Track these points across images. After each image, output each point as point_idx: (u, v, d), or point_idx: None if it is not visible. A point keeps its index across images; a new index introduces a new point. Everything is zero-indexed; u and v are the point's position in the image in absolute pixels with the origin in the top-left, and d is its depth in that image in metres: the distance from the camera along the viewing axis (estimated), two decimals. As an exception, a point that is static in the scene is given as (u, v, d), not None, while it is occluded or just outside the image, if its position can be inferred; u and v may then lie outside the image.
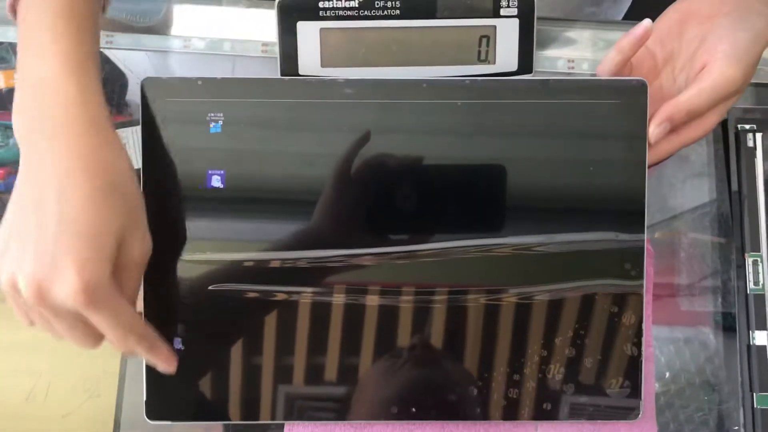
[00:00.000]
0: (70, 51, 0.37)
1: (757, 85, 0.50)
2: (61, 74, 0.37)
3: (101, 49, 0.45)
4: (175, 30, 0.48)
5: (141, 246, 0.38)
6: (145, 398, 0.43)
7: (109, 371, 0.46)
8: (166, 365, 0.40)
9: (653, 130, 0.42)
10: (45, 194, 0.35)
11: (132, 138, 0.48)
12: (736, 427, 0.47)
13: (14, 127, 0.37)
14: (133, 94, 0.47)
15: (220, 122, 0.43)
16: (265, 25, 0.48)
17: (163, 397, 0.43)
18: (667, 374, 0.47)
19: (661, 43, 0.45)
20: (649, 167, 0.44)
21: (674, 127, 0.42)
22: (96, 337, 0.37)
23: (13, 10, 0.39)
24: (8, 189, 0.48)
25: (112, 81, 0.49)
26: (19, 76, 0.38)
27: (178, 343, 0.43)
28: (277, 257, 0.43)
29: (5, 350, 0.47)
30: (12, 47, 0.49)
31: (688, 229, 0.49)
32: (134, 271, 0.38)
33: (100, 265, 0.34)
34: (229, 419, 0.44)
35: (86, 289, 0.34)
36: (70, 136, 0.36)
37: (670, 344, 0.47)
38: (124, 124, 0.48)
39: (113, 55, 0.49)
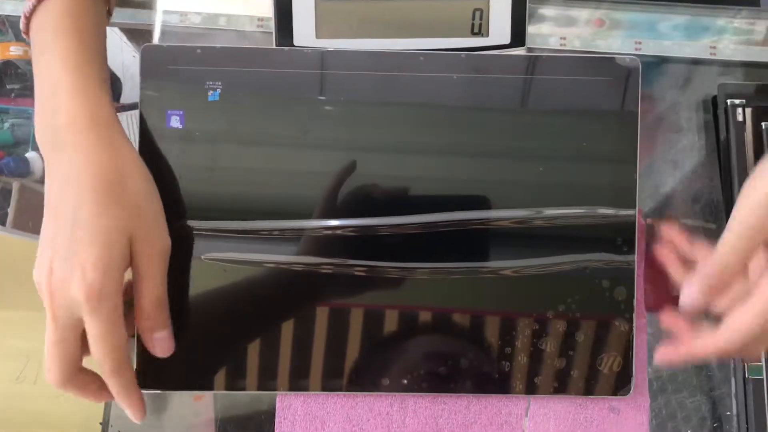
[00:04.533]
0: (72, 52, 0.38)
1: (746, 64, 0.50)
2: (63, 76, 0.38)
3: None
4: (171, 5, 0.48)
5: (153, 242, 0.38)
6: (135, 367, 0.43)
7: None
8: (134, 412, 0.39)
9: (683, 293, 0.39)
10: (54, 201, 0.37)
11: (127, 122, 0.48)
12: (729, 413, 0.46)
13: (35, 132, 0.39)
14: (126, 98, 0.48)
15: (219, 90, 0.43)
16: (261, -1, 0.48)
17: (155, 365, 0.43)
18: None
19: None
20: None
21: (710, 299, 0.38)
22: (71, 363, 0.37)
23: (27, 29, 0.40)
24: (2, 171, 0.48)
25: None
26: (35, 83, 0.39)
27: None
28: (273, 227, 0.43)
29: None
30: (8, 20, 0.49)
31: (678, 214, 0.49)
32: (150, 266, 0.38)
33: (108, 265, 0.35)
34: (221, 389, 0.44)
35: (92, 287, 0.35)
36: (75, 138, 0.37)
37: (662, 330, 0.47)
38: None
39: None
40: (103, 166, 0.37)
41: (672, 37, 0.49)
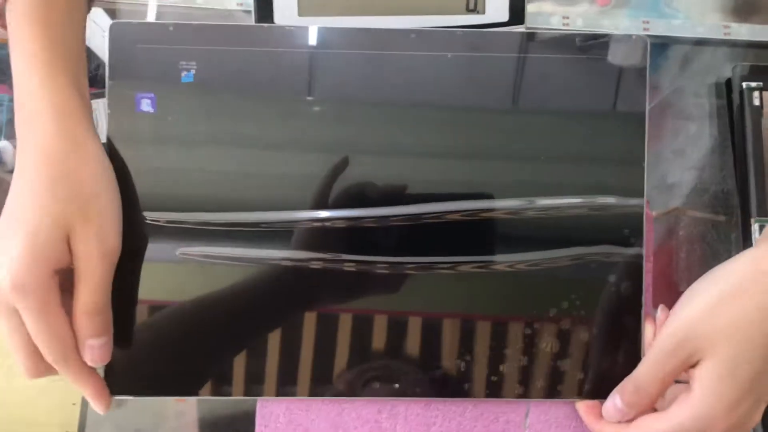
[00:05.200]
0: (40, 44, 0.37)
1: (757, 45, 0.47)
2: (30, 68, 0.37)
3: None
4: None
5: (95, 243, 0.36)
6: (103, 374, 0.40)
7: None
8: (96, 399, 0.38)
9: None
10: (11, 189, 0.37)
11: (102, 109, 0.45)
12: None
13: None
14: None
15: (193, 71, 0.40)
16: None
17: (124, 371, 0.40)
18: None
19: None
20: None
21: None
22: (33, 354, 0.36)
23: (3, 20, 0.39)
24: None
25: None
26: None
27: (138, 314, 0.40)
28: (255, 219, 0.40)
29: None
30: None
31: (687, 206, 0.46)
32: (88, 269, 0.36)
33: (32, 259, 0.34)
34: (197, 394, 0.41)
35: (14, 282, 0.34)
36: (36, 131, 0.36)
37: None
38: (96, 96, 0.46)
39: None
40: (54, 159, 0.36)
41: (680, 16, 0.46)
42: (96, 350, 0.37)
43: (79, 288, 0.36)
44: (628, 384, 0.39)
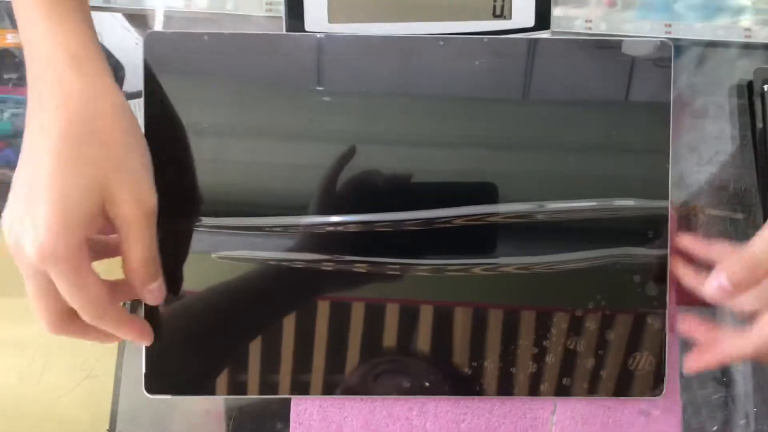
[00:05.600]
0: None
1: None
2: (35, 12, 0.34)
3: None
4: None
5: (134, 203, 0.34)
6: (144, 371, 0.41)
7: (106, 351, 0.44)
8: (141, 338, 0.38)
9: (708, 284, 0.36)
10: (25, 151, 0.34)
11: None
12: (756, 409, 0.45)
13: None
14: (130, 85, 0.45)
15: (227, 78, 0.41)
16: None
17: (163, 370, 0.41)
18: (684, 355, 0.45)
19: None
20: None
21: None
22: (57, 310, 0.35)
23: None
24: (2, 162, 0.46)
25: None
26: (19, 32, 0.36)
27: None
28: (285, 223, 0.41)
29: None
30: (5, 7, 0.47)
31: (705, 205, 0.47)
32: (131, 230, 0.34)
33: (62, 226, 0.32)
34: (232, 394, 0.42)
35: (43, 248, 0.32)
36: (52, 80, 0.34)
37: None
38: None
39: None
40: (77, 114, 0.33)
41: (704, 19, 0.47)
42: (155, 292, 0.37)
43: (128, 249, 0.35)
44: (736, 261, 0.35)
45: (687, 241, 0.42)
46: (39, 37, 0.34)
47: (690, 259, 0.41)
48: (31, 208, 0.33)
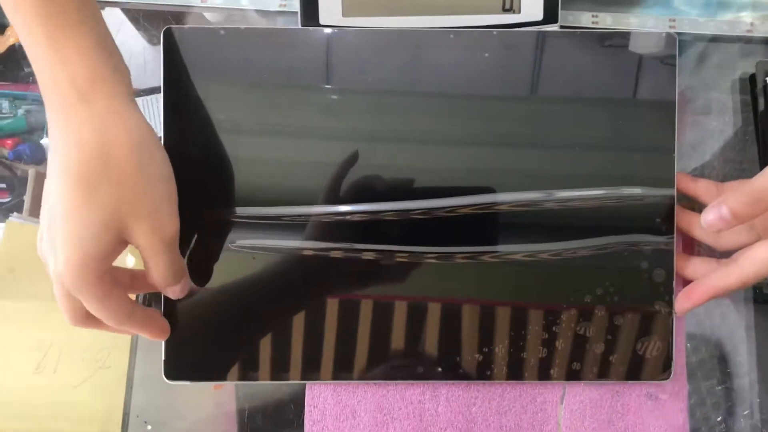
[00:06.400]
0: (46, 14, 0.32)
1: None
2: (38, 44, 0.33)
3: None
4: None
5: (154, 232, 0.34)
6: (163, 357, 0.42)
7: (120, 342, 0.45)
8: (159, 336, 0.40)
9: (704, 216, 0.37)
10: (48, 183, 0.35)
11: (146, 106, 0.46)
12: (759, 399, 0.45)
13: None
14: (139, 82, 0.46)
15: (244, 73, 0.42)
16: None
17: (182, 357, 0.42)
18: (688, 345, 0.45)
19: None
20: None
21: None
22: (80, 310, 0.36)
23: None
24: (17, 158, 0.47)
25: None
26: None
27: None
28: (304, 212, 0.42)
29: (14, 321, 0.45)
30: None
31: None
32: (152, 256, 0.35)
33: (81, 261, 0.33)
34: (247, 380, 0.42)
35: (65, 279, 0.33)
36: (63, 113, 0.33)
37: (691, 316, 0.46)
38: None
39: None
40: (90, 154, 0.33)
41: (708, 14, 0.48)
42: (177, 291, 0.38)
43: (149, 269, 0.36)
44: (739, 193, 0.36)
45: (685, 181, 0.43)
46: (45, 68, 0.33)
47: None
48: (52, 241, 0.33)
